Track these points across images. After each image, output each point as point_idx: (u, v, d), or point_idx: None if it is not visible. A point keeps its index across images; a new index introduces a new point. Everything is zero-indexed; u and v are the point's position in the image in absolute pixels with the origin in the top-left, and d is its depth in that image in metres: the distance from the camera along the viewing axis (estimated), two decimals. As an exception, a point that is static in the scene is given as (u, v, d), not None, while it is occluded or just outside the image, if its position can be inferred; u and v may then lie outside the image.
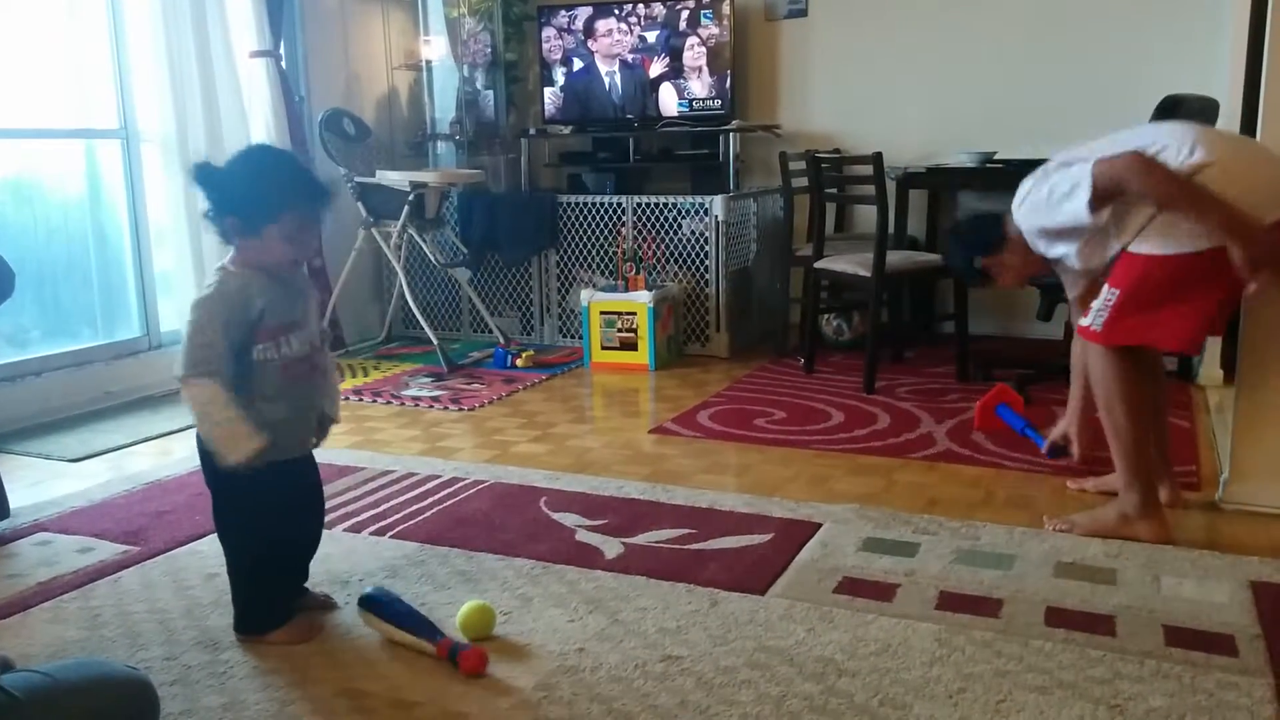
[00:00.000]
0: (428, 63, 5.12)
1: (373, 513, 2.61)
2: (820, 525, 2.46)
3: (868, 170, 3.73)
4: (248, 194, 1.79)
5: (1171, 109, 3.24)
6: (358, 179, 4.46)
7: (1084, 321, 2.37)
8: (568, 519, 2.55)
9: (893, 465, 2.96)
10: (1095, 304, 2.32)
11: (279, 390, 1.85)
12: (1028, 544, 2.33)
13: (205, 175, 1.80)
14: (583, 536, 2.44)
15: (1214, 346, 3.72)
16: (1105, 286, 2.31)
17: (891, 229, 3.98)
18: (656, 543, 2.38)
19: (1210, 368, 3.76)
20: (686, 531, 2.44)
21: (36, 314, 3.78)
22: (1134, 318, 2.27)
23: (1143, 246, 2.24)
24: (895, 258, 3.87)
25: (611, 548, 2.36)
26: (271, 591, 1.95)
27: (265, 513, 1.89)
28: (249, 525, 1.91)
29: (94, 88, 3.90)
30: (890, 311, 4.36)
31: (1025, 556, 2.26)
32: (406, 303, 4.59)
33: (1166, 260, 2.22)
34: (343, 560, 2.30)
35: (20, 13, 3.66)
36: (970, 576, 2.16)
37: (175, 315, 4.09)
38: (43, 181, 3.86)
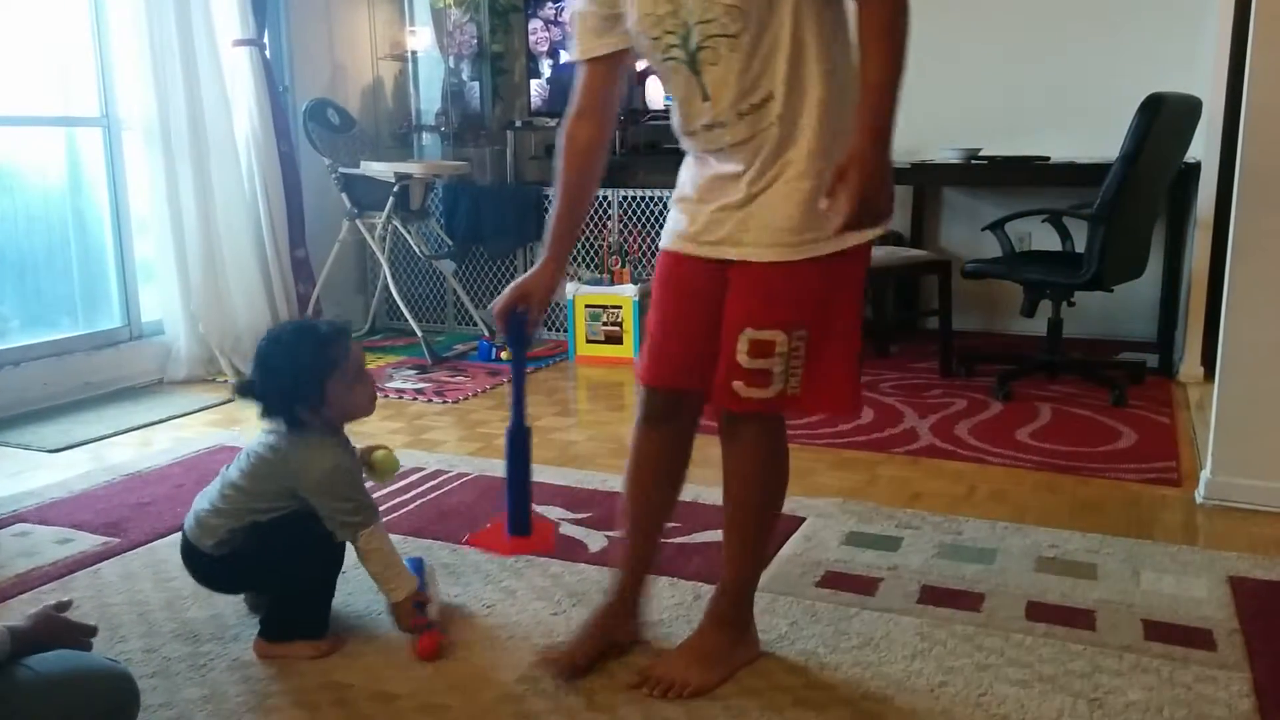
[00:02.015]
0: (413, 53, 5.10)
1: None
2: (803, 519, 2.47)
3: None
4: (293, 375, 1.84)
5: (1154, 107, 3.25)
6: (342, 170, 4.43)
7: (756, 393, 1.63)
8: (552, 512, 2.55)
9: (876, 460, 2.97)
10: (757, 364, 1.62)
11: None
12: (1009, 539, 2.34)
13: (249, 389, 1.88)
14: (567, 530, 2.43)
15: (1195, 344, 3.76)
16: (766, 332, 1.61)
17: (876, 224, 3.98)
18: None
19: (1190, 364, 3.79)
20: (670, 525, 2.43)
21: (16, 303, 3.75)
22: (835, 356, 1.66)
23: (810, 247, 1.60)
24: (880, 253, 3.88)
25: (595, 541, 2.36)
26: (325, 602, 1.94)
27: (308, 548, 1.87)
28: (319, 560, 1.89)
29: (75, 75, 3.86)
30: (874, 307, 4.37)
31: (1007, 551, 2.27)
32: (390, 294, 4.57)
33: (858, 255, 1.64)
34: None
35: (0, -1, 3.63)
36: (952, 571, 2.17)
37: (157, 305, 4.06)
38: (23, 169, 3.82)
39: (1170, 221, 4.03)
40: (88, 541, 2.39)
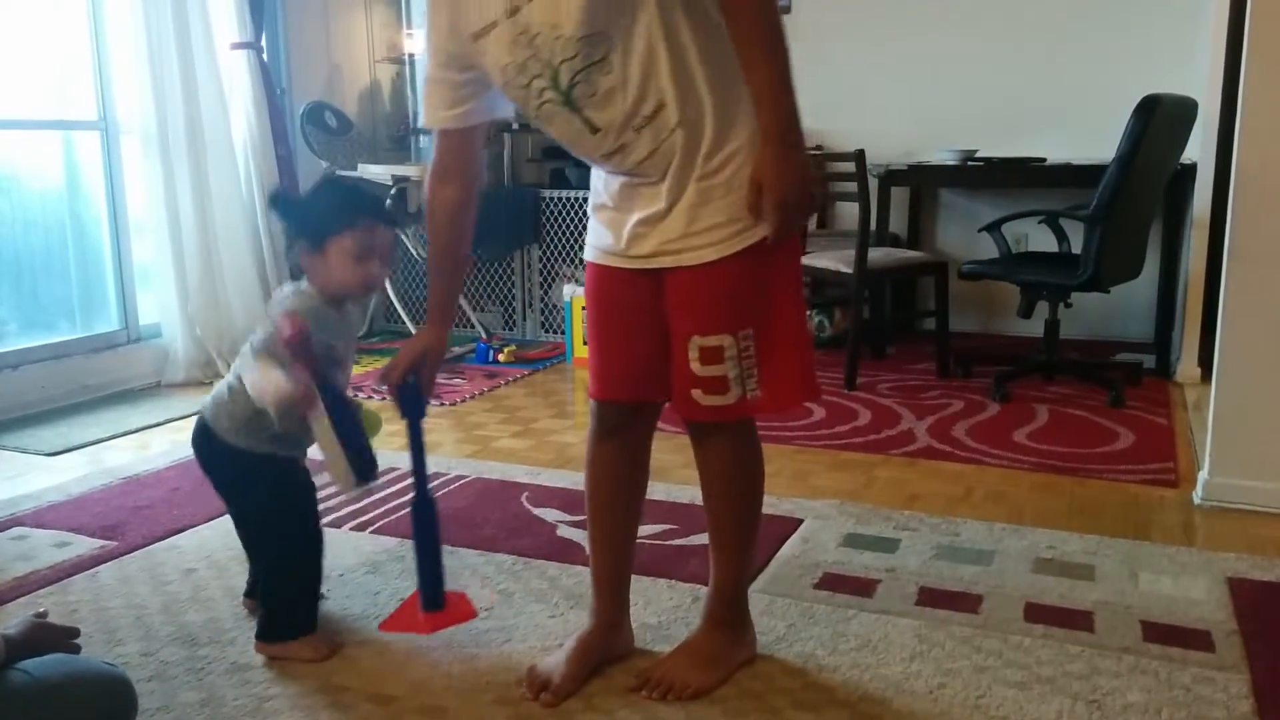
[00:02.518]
0: (410, 56, 5.09)
1: (353, 508, 2.59)
2: (801, 521, 2.47)
3: (850, 167, 3.74)
4: (314, 211, 1.86)
5: (1150, 108, 3.26)
6: (339, 172, 4.43)
7: (716, 400, 1.62)
8: (549, 514, 2.55)
9: (873, 461, 2.97)
10: (710, 371, 1.61)
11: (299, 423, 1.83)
12: (1007, 540, 2.34)
13: (278, 199, 1.96)
14: (564, 532, 2.43)
15: (1192, 344, 3.76)
16: (712, 338, 1.59)
17: (873, 226, 3.99)
18: (638, 539, 2.37)
19: (1188, 365, 3.79)
20: (668, 527, 2.44)
21: (13, 306, 3.74)
22: (786, 348, 1.64)
23: (735, 240, 1.57)
24: (877, 255, 3.88)
25: (593, 543, 2.35)
26: (311, 591, 1.93)
27: (305, 511, 1.87)
28: (293, 526, 1.88)
29: (73, 78, 3.86)
30: (871, 308, 4.38)
31: (1005, 552, 2.27)
32: (388, 297, 4.57)
33: (790, 240, 1.59)
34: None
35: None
36: (950, 572, 2.17)
37: (154, 308, 4.06)
38: (21, 173, 3.82)
39: (1167, 222, 4.03)
40: (85, 545, 2.38)
